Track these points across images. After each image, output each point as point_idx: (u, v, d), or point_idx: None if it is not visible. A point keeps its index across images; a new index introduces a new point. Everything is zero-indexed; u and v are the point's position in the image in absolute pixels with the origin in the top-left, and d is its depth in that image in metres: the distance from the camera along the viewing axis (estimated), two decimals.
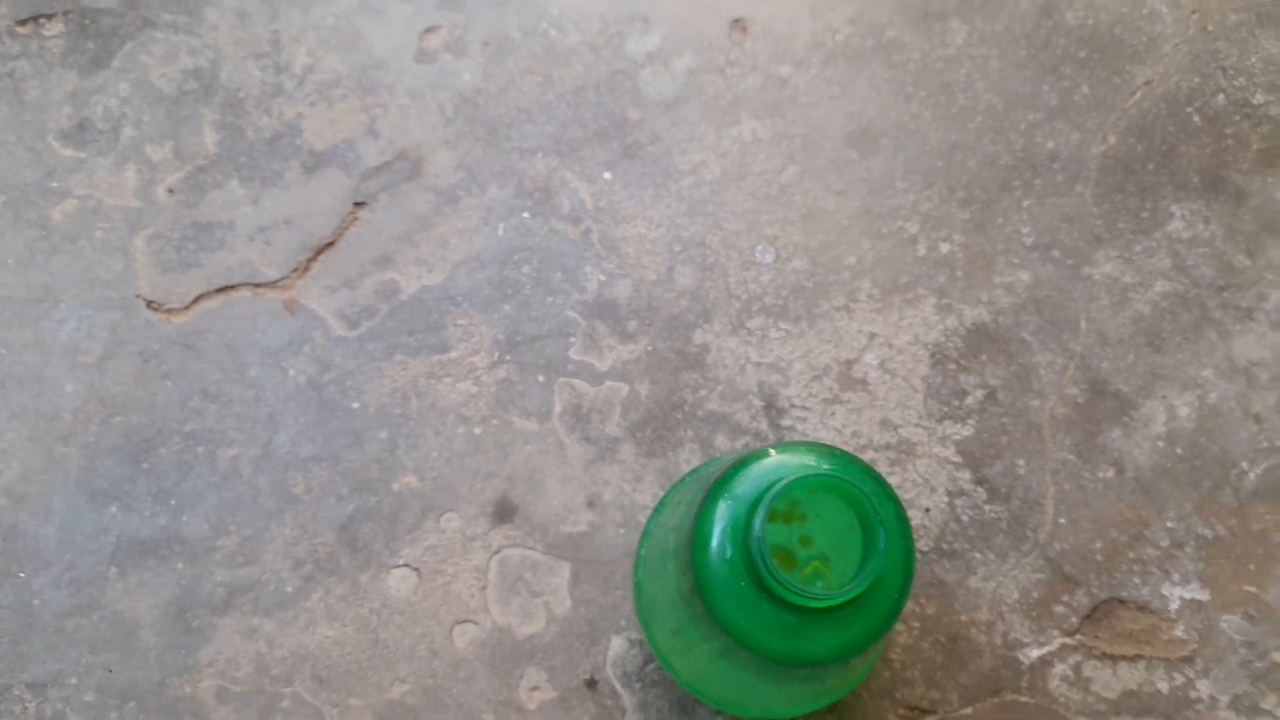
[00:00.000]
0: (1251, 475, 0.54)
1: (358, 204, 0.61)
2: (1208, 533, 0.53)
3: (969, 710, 0.50)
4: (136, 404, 0.57)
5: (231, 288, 0.59)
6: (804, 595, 0.33)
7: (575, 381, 0.57)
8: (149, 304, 0.59)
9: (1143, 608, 0.52)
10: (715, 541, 0.37)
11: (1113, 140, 0.62)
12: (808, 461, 0.37)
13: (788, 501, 0.36)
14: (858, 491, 0.34)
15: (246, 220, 0.61)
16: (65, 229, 0.61)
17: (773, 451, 0.38)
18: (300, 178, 0.62)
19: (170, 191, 0.62)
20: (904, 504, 0.54)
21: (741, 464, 0.38)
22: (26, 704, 0.51)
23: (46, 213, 0.61)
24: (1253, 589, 0.52)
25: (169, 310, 0.59)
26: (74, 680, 0.51)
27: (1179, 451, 0.55)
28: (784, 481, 0.33)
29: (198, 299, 0.59)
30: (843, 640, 0.36)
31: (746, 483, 0.37)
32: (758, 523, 0.32)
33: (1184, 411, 0.55)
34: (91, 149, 0.63)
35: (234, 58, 0.64)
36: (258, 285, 0.59)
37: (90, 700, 0.51)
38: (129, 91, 0.64)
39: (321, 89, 0.64)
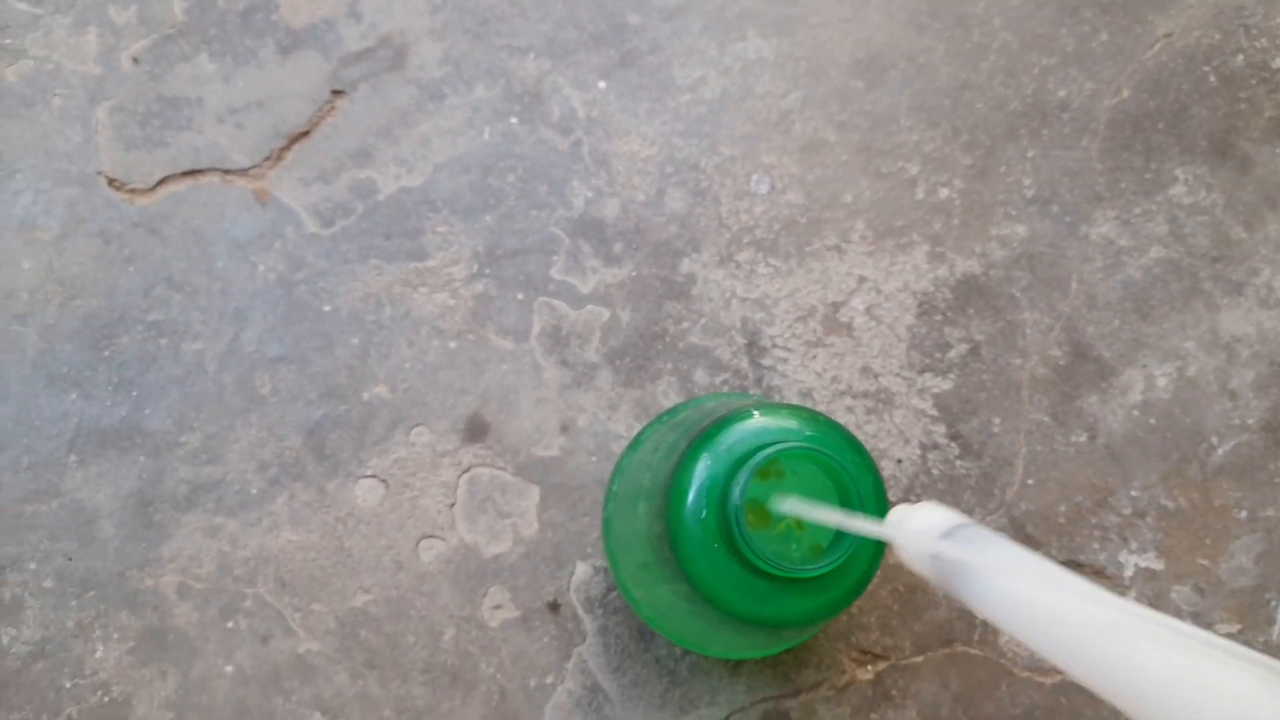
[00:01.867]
0: (1220, 451, 0.56)
1: (336, 92, 0.59)
2: (1170, 504, 0.55)
3: (920, 659, 0.53)
4: (97, 287, 0.55)
5: (199, 171, 0.57)
6: (777, 567, 0.34)
7: (555, 302, 0.56)
8: (111, 182, 0.57)
9: (1099, 572, 0.55)
10: (691, 498, 0.37)
11: (1125, 94, 0.61)
12: (791, 426, 0.37)
13: (767, 461, 0.37)
14: (839, 468, 0.35)
15: (216, 99, 0.58)
16: (20, 91, 0.58)
17: (756, 413, 0.38)
18: (275, 57, 0.59)
19: (135, 60, 0.58)
20: (877, 455, 0.55)
21: (724, 422, 0.38)
22: None
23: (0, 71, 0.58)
24: (1206, 562, 0.55)
25: (132, 190, 0.57)
26: (32, 566, 0.51)
27: (1152, 422, 0.56)
28: (765, 453, 0.33)
29: (163, 181, 0.57)
30: (810, 607, 0.37)
31: (728, 443, 0.37)
32: (736, 491, 0.33)
33: (1162, 382, 0.57)
34: (48, 5, 0.59)
35: None
36: (227, 172, 0.57)
37: (49, 587, 0.51)
38: None
39: None
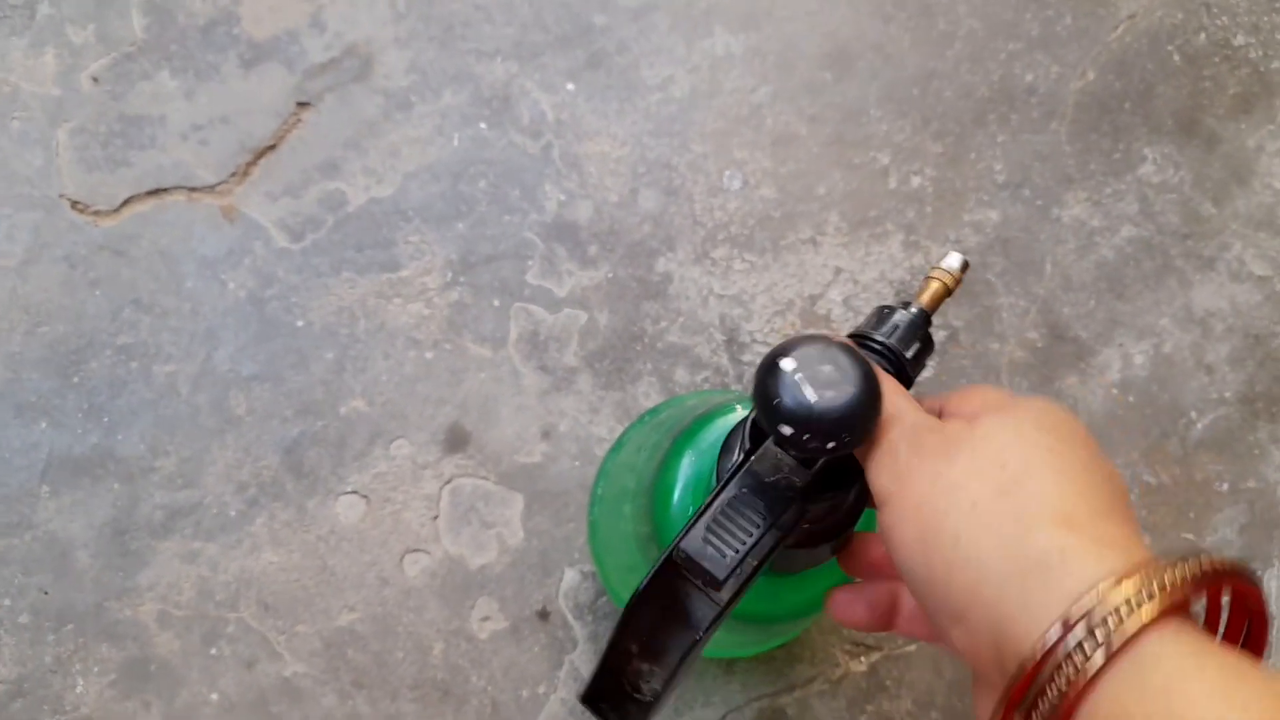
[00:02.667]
0: (1199, 425, 0.56)
1: (301, 104, 0.58)
2: (1152, 480, 0.55)
3: (912, 648, 0.52)
4: (64, 313, 0.54)
5: (164, 190, 0.56)
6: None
7: (532, 307, 0.56)
8: (74, 204, 0.56)
9: None
10: (677, 495, 0.37)
11: (1091, 76, 0.62)
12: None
13: None
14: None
15: (179, 116, 0.57)
16: None
17: (739, 407, 0.38)
18: (238, 71, 0.58)
19: (95, 80, 0.57)
20: None
21: (706, 418, 0.38)
22: None
23: None
24: (1191, 535, 0.55)
25: (96, 212, 0.56)
26: (7, 601, 0.50)
27: (1131, 400, 0.56)
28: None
29: (127, 201, 0.56)
30: (800, 601, 0.37)
31: (711, 439, 0.37)
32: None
33: (1139, 360, 0.57)
34: (4, 27, 0.58)
35: None
36: (193, 189, 0.56)
37: (25, 622, 0.50)
38: None
39: None
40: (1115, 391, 0.56)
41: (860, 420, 0.27)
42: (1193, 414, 0.56)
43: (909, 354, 0.33)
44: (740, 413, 0.38)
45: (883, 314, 0.34)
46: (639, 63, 0.60)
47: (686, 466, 0.37)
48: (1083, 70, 0.62)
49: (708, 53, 0.60)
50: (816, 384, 0.27)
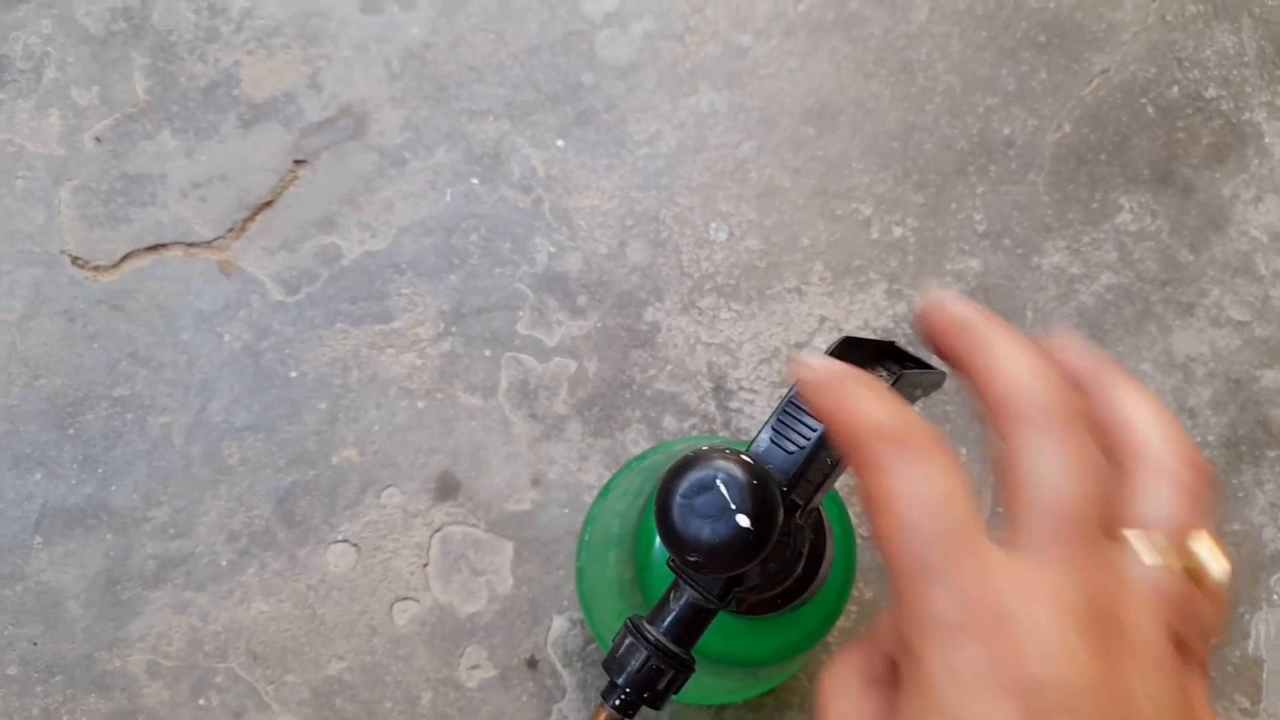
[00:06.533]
0: None
1: (298, 161, 0.59)
2: None
3: None
4: (61, 366, 0.55)
5: (163, 246, 0.57)
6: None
7: (522, 356, 0.56)
8: (74, 260, 0.57)
9: None
10: (659, 541, 0.37)
11: (1067, 129, 0.63)
12: None
13: None
14: None
15: (179, 174, 0.59)
16: None
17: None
18: (237, 131, 0.59)
19: (98, 140, 0.59)
20: (845, 493, 0.55)
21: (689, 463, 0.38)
22: None
23: None
24: None
25: (96, 268, 0.57)
26: None
27: None
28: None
29: (127, 257, 0.57)
30: (783, 643, 0.37)
31: None
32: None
33: None
34: (11, 90, 0.59)
35: None
36: (191, 244, 0.57)
37: (13, 674, 0.50)
38: (52, 29, 0.60)
39: (261, 36, 0.61)
40: None
41: (755, 549, 0.27)
42: None
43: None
44: None
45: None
46: (626, 119, 0.61)
47: None
48: (1059, 123, 0.63)
49: (693, 109, 0.62)
50: (705, 514, 0.27)
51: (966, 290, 0.59)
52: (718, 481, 0.27)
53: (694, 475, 0.27)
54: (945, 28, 0.65)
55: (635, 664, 0.30)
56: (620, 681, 0.30)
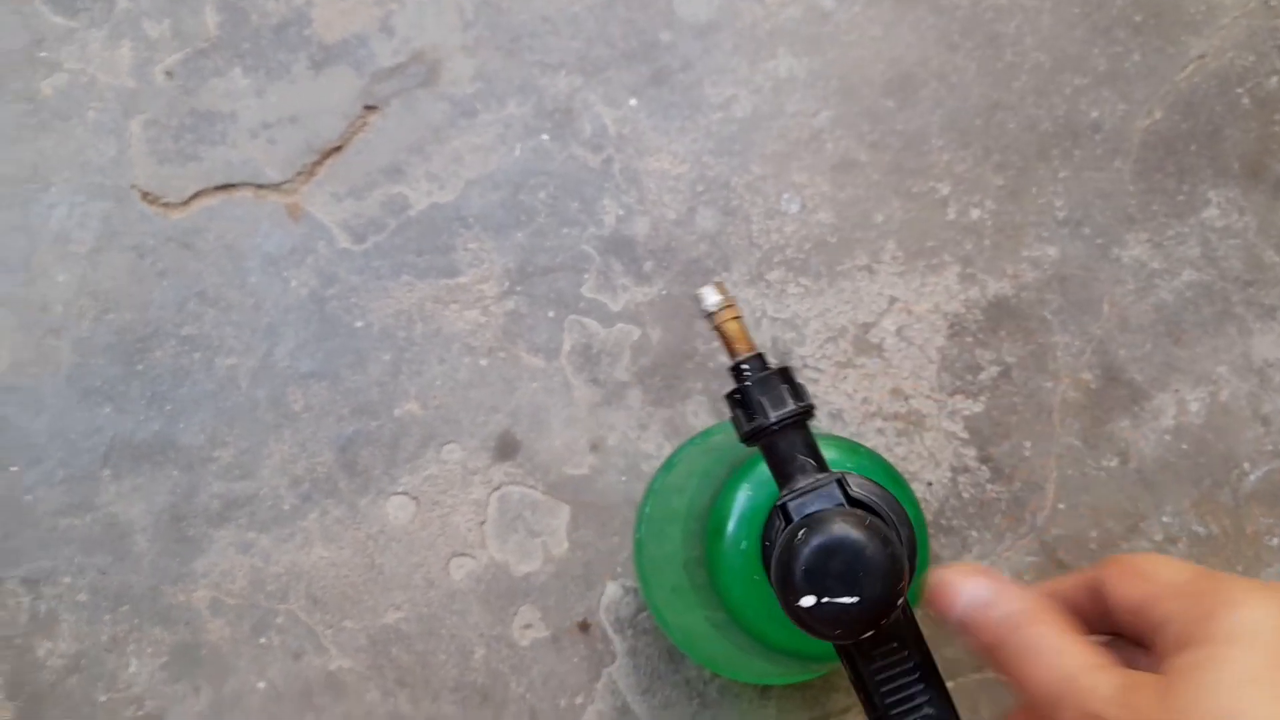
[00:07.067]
0: (1252, 477, 0.55)
1: (368, 107, 0.58)
2: (1202, 530, 0.54)
3: (951, 684, 0.52)
4: (130, 301, 0.55)
5: (232, 186, 0.57)
6: None
7: (586, 320, 0.56)
8: (144, 196, 0.57)
9: None
10: (731, 527, 0.37)
11: (1158, 115, 0.61)
12: (828, 456, 0.37)
13: None
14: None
15: (249, 113, 0.58)
16: (55, 105, 0.57)
17: None
18: (308, 72, 0.59)
19: (168, 74, 0.58)
20: (908, 477, 0.54)
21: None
22: (20, 599, 0.51)
23: (35, 85, 0.57)
24: None
25: (166, 204, 0.57)
26: (67, 579, 0.51)
27: (1184, 447, 0.55)
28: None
29: (196, 195, 0.57)
30: None
31: (768, 475, 0.37)
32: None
33: (1194, 407, 0.56)
34: (84, 18, 0.59)
35: None
36: (260, 186, 0.57)
37: (83, 600, 0.51)
38: None
39: None
40: (1168, 438, 0.56)
41: (886, 609, 0.27)
42: (1246, 465, 0.55)
43: (791, 408, 0.32)
44: None
45: (744, 396, 0.33)
46: (702, 80, 0.60)
47: (742, 499, 0.37)
48: (1149, 109, 0.61)
49: (771, 74, 0.60)
50: (839, 585, 0.27)
51: (1042, 279, 0.58)
52: (851, 558, 0.26)
53: (824, 543, 0.27)
54: (1037, 1, 0.62)
55: None
56: None
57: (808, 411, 0.32)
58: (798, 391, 0.32)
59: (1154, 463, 0.55)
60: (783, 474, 0.31)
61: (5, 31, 0.58)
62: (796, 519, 0.30)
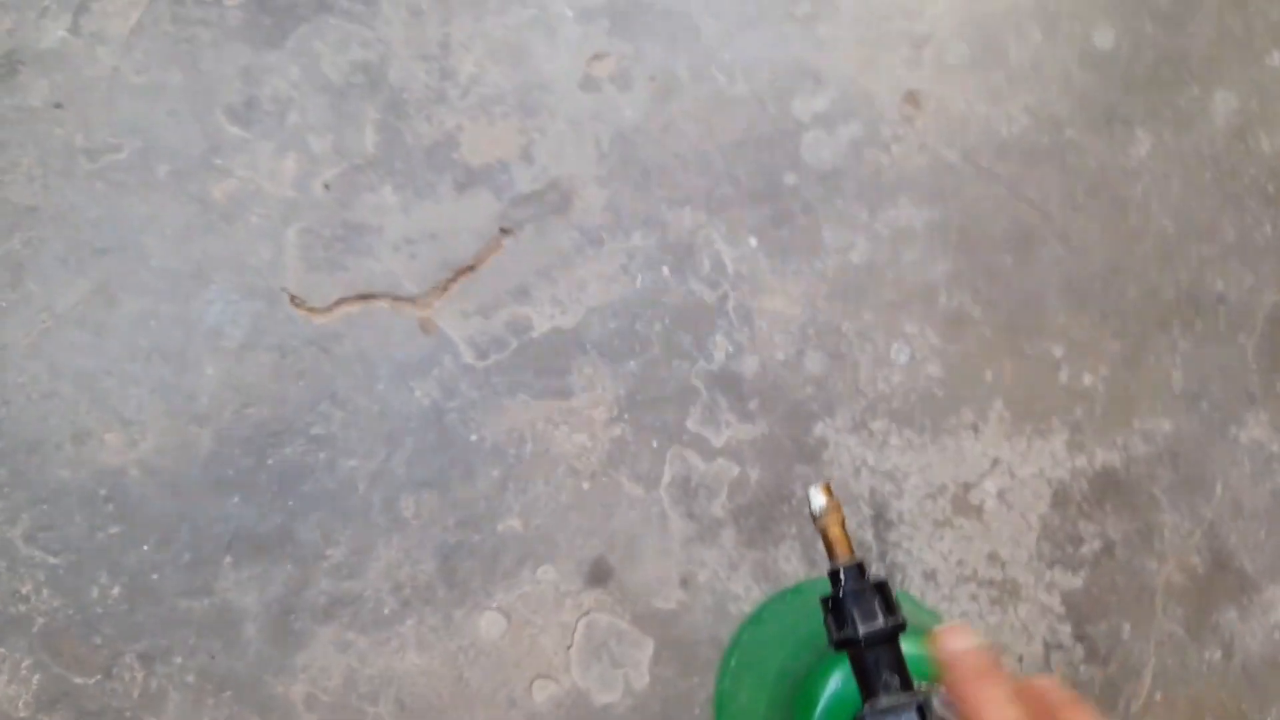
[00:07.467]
0: None
1: (503, 230, 0.62)
2: None
3: None
4: (269, 398, 0.59)
5: (373, 296, 0.61)
6: None
7: (688, 453, 0.57)
8: (293, 299, 0.61)
9: None
10: (819, 710, 0.37)
11: None
12: (920, 654, 0.37)
13: None
14: None
15: (395, 228, 0.62)
16: (224, 208, 0.63)
17: None
18: (451, 193, 0.62)
19: (326, 187, 0.63)
20: (998, 648, 0.53)
21: None
22: (135, 673, 0.54)
23: (208, 188, 0.63)
24: None
25: (311, 309, 0.61)
26: (179, 660, 0.55)
27: None
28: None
29: (339, 302, 0.61)
30: None
31: None
32: None
33: None
34: (257, 130, 0.64)
35: (403, 56, 0.64)
36: (397, 298, 0.61)
37: (191, 682, 0.54)
38: (299, 76, 0.65)
39: (484, 103, 0.64)
40: (1278, 634, 0.53)
41: None
42: None
43: (880, 625, 0.32)
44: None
45: (839, 606, 0.33)
46: (821, 224, 0.61)
47: (833, 684, 0.37)
48: (1279, 283, 0.60)
49: (890, 222, 0.61)
50: None
51: (1154, 453, 0.56)
52: None
53: None
54: (1167, 165, 0.62)
55: None
56: None
57: (898, 629, 0.32)
58: (890, 607, 0.33)
59: (1260, 660, 0.53)
60: (867, 687, 0.32)
61: (188, 139, 0.63)
62: None
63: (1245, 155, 0.62)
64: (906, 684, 0.32)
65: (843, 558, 0.34)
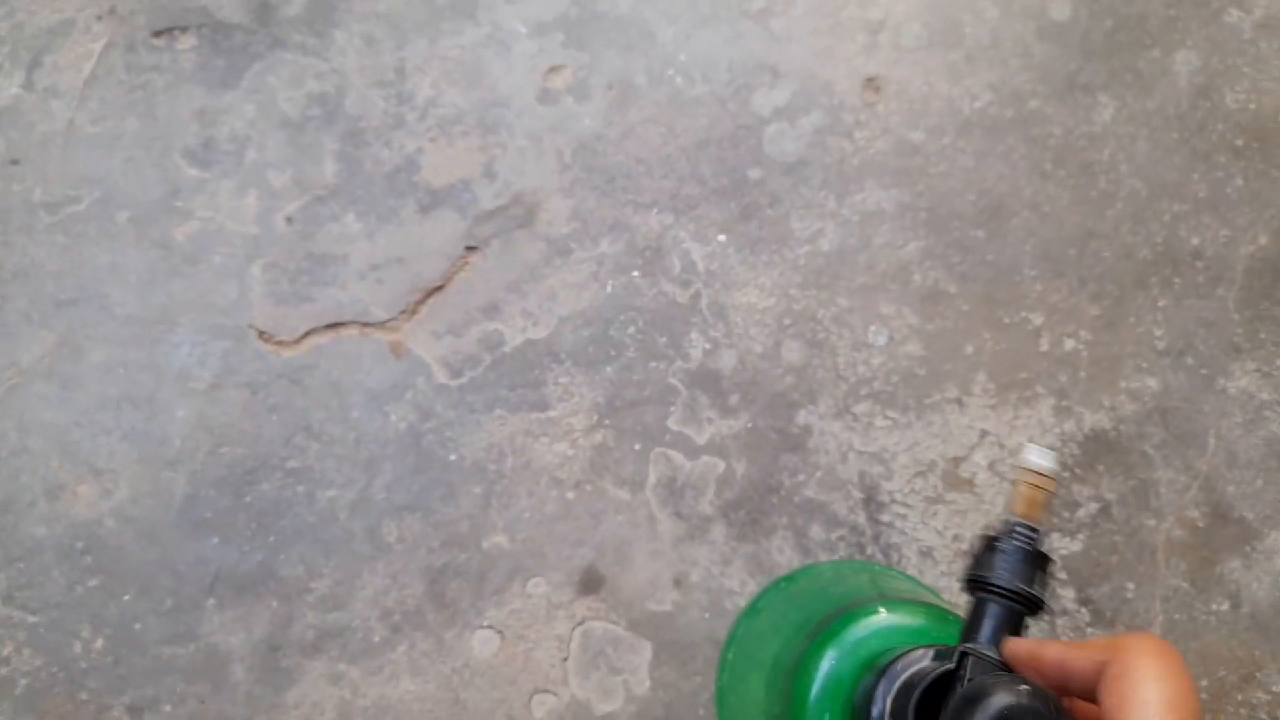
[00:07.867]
0: None
1: (469, 248, 0.61)
2: None
3: None
4: (242, 436, 0.58)
5: (341, 325, 0.60)
6: None
7: (671, 453, 0.56)
8: (260, 335, 0.60)
9: None
10: (815, 692, 0.36)
11: (1263, 240, 0.58)
12: (913, 624, 0.36)
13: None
14: None
15: (360, 256, 0.61)
16: (186, 250, 0.62)
17: (882, 609, 0.37)
18: (415, 216, 0.62)
19: (289, 220, 0.62)
20: None
21: (849, 617, 0.37)
22: None
23: (169, 232, 0.62)
24: None
25: (279, 343, 0.60)
26: (168, 708, 0.53)
27: None
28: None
29: (308, 334, 0.60)
30: None
31: (853, 638, 0.36)
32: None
33: None
34: (216, 170, 0.64)
35: (358, 85, 0.64)
36: (366, 325, 0.60)
37: None
38: (255, 113, 0.65)
39: (443, 124, 0.63)
40: None
41: None
42: None
43: (1034, 589, 0.30)
44: (884, 615, 0.37)
45: (992, 547, 0.32)
46: (790, 215, 0.60)
47: (826, 666, 0.36)
48: (1254, 235, 0.59)
49: (858, 207, 0.60)
50: None
51: (1142, 412, 0.55)
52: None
53: (1010, 706, 0.26)
54: (1132, 128, 0.62)
55: None
56: None
57: (1032, 606, 0.31)
58: (1042, 583, 0.31)
59: (1269, 607, 0.51)
60: (972, 628, 0.30)
61: (146, 184, 0.63)
62: (970, 675, 0.29)
63: (1211, 112, 0.62)
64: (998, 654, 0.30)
65: (1034, 516, 0.31)
